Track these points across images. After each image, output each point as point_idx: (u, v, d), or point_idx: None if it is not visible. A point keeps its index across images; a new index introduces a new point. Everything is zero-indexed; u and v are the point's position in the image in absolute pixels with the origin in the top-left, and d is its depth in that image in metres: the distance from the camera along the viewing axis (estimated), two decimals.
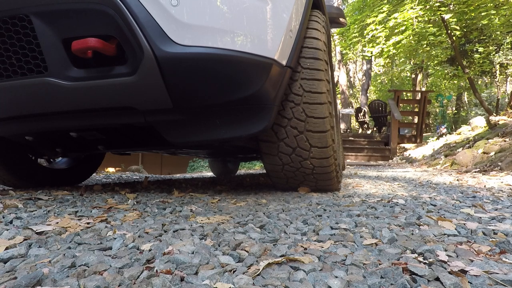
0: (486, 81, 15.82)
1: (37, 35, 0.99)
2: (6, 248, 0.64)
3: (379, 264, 0.58)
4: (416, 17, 6.77)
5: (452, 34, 7.10)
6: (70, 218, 0.91)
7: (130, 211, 1.06)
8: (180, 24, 0.98)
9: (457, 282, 0.49)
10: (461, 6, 6.69)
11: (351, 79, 23.32)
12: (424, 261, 0.58)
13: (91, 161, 2.22)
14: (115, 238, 0.71)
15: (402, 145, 9.97)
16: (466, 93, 16.75)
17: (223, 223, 0.89)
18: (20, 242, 0.68)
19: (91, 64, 1.05)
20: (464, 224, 0.86)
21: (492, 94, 14.51)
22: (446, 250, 0.65)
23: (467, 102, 18.03)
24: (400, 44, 7.36)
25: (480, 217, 0.97)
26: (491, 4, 6.24)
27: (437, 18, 6.95)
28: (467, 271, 0.53)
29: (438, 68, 10.96)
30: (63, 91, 1.05)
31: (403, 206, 1.17)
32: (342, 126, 13.24)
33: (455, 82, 14.15)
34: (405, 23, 6.87)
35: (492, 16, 6.53)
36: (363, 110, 12.30)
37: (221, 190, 1.75)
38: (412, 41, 7.30)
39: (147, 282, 0.49)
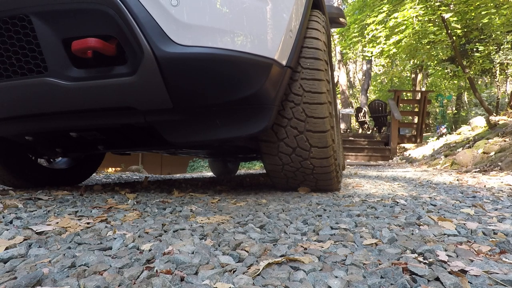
0: (486, 81, 15.81)
1: (37, 35, 0.99)
2: (6, 248, 0.64)
3: (379, 264, 0.58)
4: (416, 16, 6.77)
5: (452, 34, 7.09)
6: (70, 218, 0.91)
7: (130, 211, 1.06)
8: (180, 24, 0.98)
9: (457, 282, 0.49)
10: (461, 6, 6.68)
11: (351, 79, 23.32)
12: (424, 261, 0.58)
13: (91, 161, 2.22)
14: (115, 238, 0.71)
15: (402, 145, 9.96)
16: (466, 93, 16.73)
17: (223, 223, 0.89)
18: (20, 242, 0.68)
19: (91, 64, 1.05)
20: (464, 224, 0.86)
21: (492, 94, 14.50)
22: (446, 250, 0.65)
23: (467, 102, 18.02)
24: (400, 43, 7.35)
25: (480, 217, 0.97)
26: (491, 4, 6.24)
27: (437, 19, 6.95)
28: (467, 271, 0.53)
29: (438, 67, 10.95)
30: (63, 91, 1.05)
31: (403, 206, 1.17)
32: (342, 126, 13.23)
33: (455, 82, 14.14)
34: (405, 22, 6.86)
35: (493, 16, 6.52)
36: (363, 110, 12.30)
37: (221, 190, 1.75)
38: (413, 40, 7.30)
39: (147, 282, 0.49)
